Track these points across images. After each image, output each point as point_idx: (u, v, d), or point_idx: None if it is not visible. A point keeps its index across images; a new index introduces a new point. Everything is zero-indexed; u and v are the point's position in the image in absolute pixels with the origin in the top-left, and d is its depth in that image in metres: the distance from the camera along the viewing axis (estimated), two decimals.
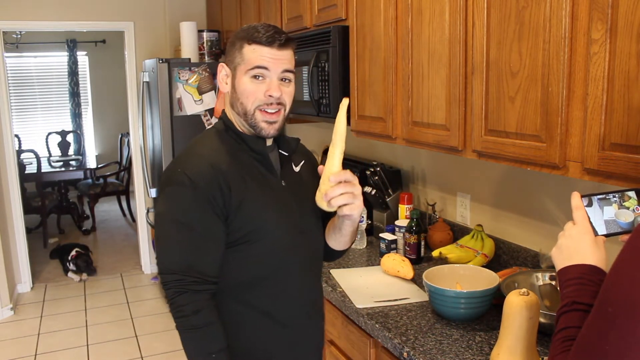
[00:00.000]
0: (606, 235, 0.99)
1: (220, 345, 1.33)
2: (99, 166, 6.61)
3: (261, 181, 1.39)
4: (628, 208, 0.99)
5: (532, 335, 1.31)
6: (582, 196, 1.01)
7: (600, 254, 0.96)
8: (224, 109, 1.46)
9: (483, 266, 1.99)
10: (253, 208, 1.35)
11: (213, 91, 3.95)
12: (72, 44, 7.75)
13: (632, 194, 1.00)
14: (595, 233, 0.98)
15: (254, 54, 1.34)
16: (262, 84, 1.35)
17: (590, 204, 1.00)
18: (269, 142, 1.45)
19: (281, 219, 1.40)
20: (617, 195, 1.00)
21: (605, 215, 0.99)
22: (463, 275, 1.80)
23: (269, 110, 1.36)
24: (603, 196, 1.00)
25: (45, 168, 6.26)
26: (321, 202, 1.34)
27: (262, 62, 1.34)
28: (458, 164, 2.38)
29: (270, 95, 1.35)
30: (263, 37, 1.34)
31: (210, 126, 1.48)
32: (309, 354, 1.52)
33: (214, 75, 3.93)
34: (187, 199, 1.30)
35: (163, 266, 1.33)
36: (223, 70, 1.41)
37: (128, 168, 6.41)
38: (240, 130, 1.41)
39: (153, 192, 4.23)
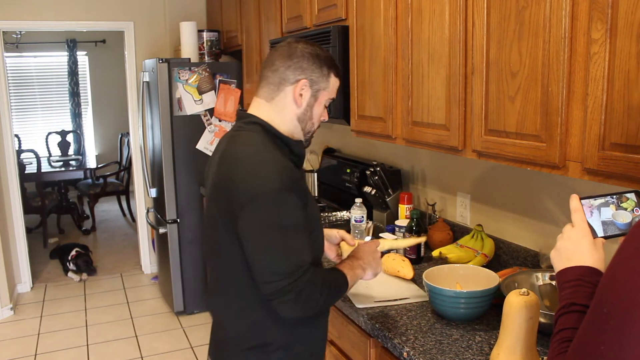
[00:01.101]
0: (605, 237, 0.99)
1: (340, 278, 1.49)
2: (99, 166, 6.61)
3: (304, 179, 1.57)
4: (626, 209, 0.99)
5: (532, 335, 1.31)
6: (581, 198, 1.01)
7: (599, 255, 0.96)
8: (252, 114, 1.50)
9: (483, 266, 1.99)
10: (311, 204, 1.45)
11: (213, 91, 3.95)
12: (72, 44, 7.75)
13: (630, 195, 1.00)
14: (594, 235, 0.98)
15: (335, 86, 1.54)
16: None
17: (589, 206, 1.00)
18: None
19: (319, 215, 1.58)
20: (615, 197, 1.00)
21: (603, 216, 0.99)
22: (463, 275, 1.80)
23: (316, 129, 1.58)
24: (601, 198, 1.00)
25: (45, 168, 6.26)
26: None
27: (335, 96, 1.57)
28: (458, 164, 2.38)
29: (323, 120, 1.57)
30: (341, 73, 1.57)
31: (243, 130, 1.49)
32: None
33: (213, 75, 3.94)
34: (287, 201, 1.34)
35: (274, 271, 1.34)
36: (303, 86, 1.47)
37: (128, 168, 6.41)
38: (285, 135, 1.49)
39: (153, 192, 4.24)
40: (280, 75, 1.46)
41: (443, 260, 2.10)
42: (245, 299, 1.45)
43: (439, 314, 1.72)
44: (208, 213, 1.51)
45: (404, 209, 2.46)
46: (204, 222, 1.64)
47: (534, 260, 1.99)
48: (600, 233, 0.99)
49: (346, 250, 1.74)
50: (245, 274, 1.42)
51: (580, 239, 0.98)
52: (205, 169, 1.63)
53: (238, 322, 1.48)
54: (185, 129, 3.91)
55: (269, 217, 1.34)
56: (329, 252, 1.77)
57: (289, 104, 1.48)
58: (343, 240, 1.76)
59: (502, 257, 2.14)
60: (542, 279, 1.72)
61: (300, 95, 1.47)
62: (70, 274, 4.96)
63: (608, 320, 0.76)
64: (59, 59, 7.83)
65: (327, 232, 1.75)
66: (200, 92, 3.91)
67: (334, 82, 1.52)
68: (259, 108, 1.50)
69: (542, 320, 1.44)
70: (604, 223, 0.99)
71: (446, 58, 1.78)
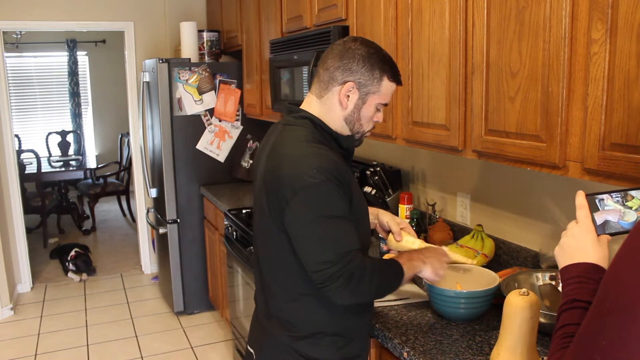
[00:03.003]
0: (610, 235, 0.99)
1: (394, 266, 1.50)
2: (99, 166, 6.61)
3: (351, 174, 1.49)
4: (631, 208, 0.99)
5: (532, 335, 1.31)
6: (587, 195, 1.01)
7: (603, 252, 0.97)
8: (303, 109, 1.52)
9: (483, 266, 1.99)
10: (356, 199, 1.47)
11: (213, 91, 3.95)
12: (72, 44, 7.75)
13: (635, 193, 1.00)
14: (598, 232, 0.98)
15: (390, 90, 1.50)
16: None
17: (595, 204, 1.00)
18: None
19: (366, 207, 1.58)
20: (620, 195, 1.00)
21: (607, 214, 0.99)
22: (463, 275, 1.80)
23: (371, 130, 1.57)
24: (607, 195, 1.00)
25: (45, 168, 6.26)
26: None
27: (389, 100, 1.52)
28: (458, 164, 2.38)
29: (377, 121, 1.55)
30: (400, 78, 1.51)
31: (292, 124, 1.52)
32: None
33: (213, 75, 3.94)
34: (330, 192, 1.37)
35: (322, 259, 1.37)
36: (351, 89, 1.46)
37: (128, 168, 6.41)
38: (334, 130, 1.51)
39: (153, 192, 4.24)
40: (330, 75, 1.48)
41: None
42: (294, 290, 1.50)
43: (439, 314, 1.72)
44: (257, 206, 1.55)
45: (404, 209, 2.46)
46: (253, 214, 1.65)
47: (534, 260, 1.99)
48: (604, 230, 0.99)
49: (393, 244, 1.73)
50: (293, 266, 1.47)
51: (584, 236, 0.98)
52: (254, 161, 1.67)
53: (288, 312, 1.53)
54: (185, 129, 3.91)
55: (313, 209, 1.37)
56: (382, 234, 1.79)
57: (335, 105, 1.49)
58: (391, 232, 1.74)
59: (502, 257, 2.14)
60: (542, 279, 1.72)
61: (347, 97, 1.47)
62: (70, 274, 4.96)
63: (609, 315, 0.77)
64: (59, 59, 7.83)
65: (381, 215, 1.77)
66: (200, 92, 3.91)
67: (386, 86, 1.48)
68: (310, 104, 1.53)
69: (542, 320, 1.44)
70: (608, 221, 0.99)
71: (446, 58, 1.78)
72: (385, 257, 1.85)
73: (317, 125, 1.50)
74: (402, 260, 1.54)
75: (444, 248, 1.71)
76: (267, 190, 1.46)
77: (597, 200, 1.00)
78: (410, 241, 1.71)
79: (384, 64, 1.47)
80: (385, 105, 1.52)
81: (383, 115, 1.57)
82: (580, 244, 0.98)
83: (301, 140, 1.45)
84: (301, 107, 1.55)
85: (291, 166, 1.40)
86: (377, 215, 1.77)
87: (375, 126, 1.58)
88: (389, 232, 1.75)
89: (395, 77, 1.50)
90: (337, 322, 1.52)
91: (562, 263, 1.00)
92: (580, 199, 1.01)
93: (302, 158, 1.40)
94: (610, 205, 1.00)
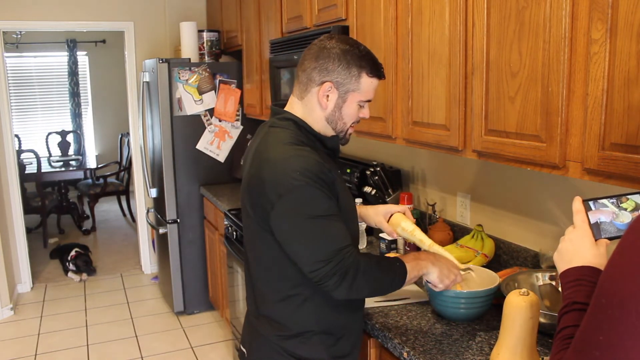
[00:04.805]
0: (607, 239, 1.00)
1: (395, 263, 1.50)
2: (99, 166, 6.61)
3: (336, 173, 1.49)
4: (626, 209, 1.00)
5: (532, 335, 1.32)
6: (584, 200, 1.02)
7: (600, 255, 0.98)
8: (287, 110, 1.52)
9: (483, 266, 1.99)
10: (342, 197, 1.47)
11: (213, 91, 3.95)
12: (72, 44, 7.75)
13: (631, 196, 1.01)
14: (596, 236, 0.99)
15: (371, 86, 1.49)
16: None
17: (590, 208, 1.01)
18: None
19: (353, 204, 1.58)
20: (615, 198, 1.01)
21: (603, 218, 1.00)
22: (463, 275, 1.79)
23: (354, 125, 1.56)
24: (603, 199, 1.01)
25: (45, 168, 6.26)
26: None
27: (372, 96, 1.51)
28: (458, 164, 2.38)
29: (363, 117, 1.54)
30: (381, 72, 1.49)
31: (276, 126, 1.51)
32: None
33: (213, 75, 3.94)
34: (314, 193, 1.37)
35: (316, 259, 1.38)
36: (329, 89, 1.45)
37: (128, 168, 6.42)
38: (317, 131, 1.51)
39: (153, 192, 4.24)
40: (307, 76, 1.47)
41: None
42: (282, 290, 1.50)
43: (439, 314, 1.72)
44: (243, 208, 1.57)
45: None
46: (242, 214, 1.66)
47: (534, 260, 1.99)
48: (600, 233, 1.00)
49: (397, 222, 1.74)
50: (280, 266, 1.47)
51: (581, 240, 1.00)
52: (243, 162, 1.67)
53: (276, 312, 1.53)
54: (185, 129, 3.91)
55: (299, 211, 1.38)
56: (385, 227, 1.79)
57: (315, 105, 1.49)
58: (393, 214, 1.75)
59: (502, 257, 2.14)
60: (542, 279, 1.72)
61: (326, 97, 1.46)
62: (70, 274, 4.96)
63: (605, 311, 0.78)
64: (59, 59, 7.83)
65: (369, 220, 1.79)
66: (200, 92, 3.91)
67: (366, 83, 1.47)
68: (292, 105, 1.53)
69: (542, 320, 1.44)
70: (605, 224, 1.00)
71: (446, 58, 1.78)
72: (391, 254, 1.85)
73: (300, 127, 1.49)
74: (407, 259, 1.54)
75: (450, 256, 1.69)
76: (251, 194, 1.47)
77: (591, 203, 1.02)
78: (408, 233, 1.73)
79: (361, 60, 1.44)
80: (369, 101, 1.51)
81: (369, 112, 1.55)
82: (578, 248, 0.99)
83: (284, 143, 1.44)
84: (285, 108, 1.55)
85: (274, 170, 1.40)
86: (367, 218, 1.79)
87: (360, 121, 1.56)
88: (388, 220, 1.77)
89: (375, 72, 1.47)
90: (326, 320, 1.52)
91: (560, 268, 1.01)
92: (577, 204, 1.03)
93: (284, 161, 1.40)
94: (604, 205, 1.01)
